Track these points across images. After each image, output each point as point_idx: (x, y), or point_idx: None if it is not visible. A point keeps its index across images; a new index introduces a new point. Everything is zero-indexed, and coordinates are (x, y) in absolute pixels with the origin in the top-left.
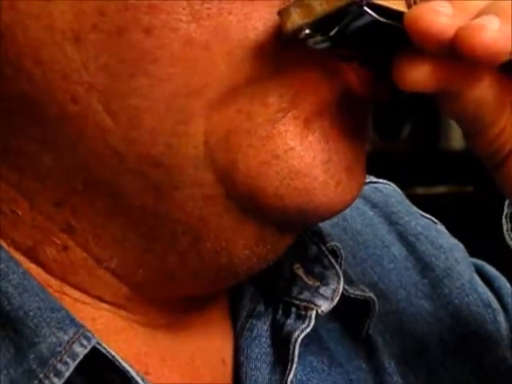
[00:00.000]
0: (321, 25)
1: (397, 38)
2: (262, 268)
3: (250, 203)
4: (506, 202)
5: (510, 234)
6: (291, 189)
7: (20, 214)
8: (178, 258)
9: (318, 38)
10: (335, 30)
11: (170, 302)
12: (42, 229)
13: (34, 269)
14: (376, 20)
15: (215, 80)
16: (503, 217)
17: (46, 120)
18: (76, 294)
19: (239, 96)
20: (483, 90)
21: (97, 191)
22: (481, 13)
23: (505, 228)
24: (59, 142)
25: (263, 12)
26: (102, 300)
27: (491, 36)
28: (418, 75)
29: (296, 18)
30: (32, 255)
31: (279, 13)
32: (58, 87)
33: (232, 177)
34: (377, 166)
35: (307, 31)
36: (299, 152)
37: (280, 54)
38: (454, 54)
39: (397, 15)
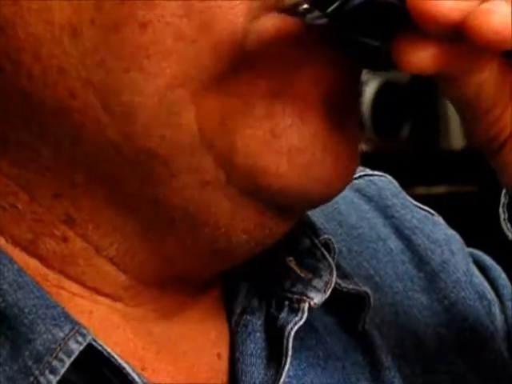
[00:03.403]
0: (320, 0)
1: (398, 17)
2: (260, 252)
3: (250, 185)
4: (503, 192)
5: (507, 224)
6: (291, 166)
7: (20, 207)
8: (176, 242)
9: (316, 13)
10: (334, 6)
11: (167, 292)
12: (41, 221)
13: (32, 264)
14: None
15: (200, 71)
16: (500, 207)
17: (44, 115)
18: (74, 287)
19: (228, 82)
20: (485, 75)
21: (96, 182)
22: None
23: (502, 218)
24: (58, 136)
25: (246, 5)
26: (99, 292)
27: (501, 21)
28: (420, 58)
29: None
30: (31, 249)
31: None
32: (57, 83)
33: (231, 159)
34: (377, 166)
35: (305, 6)
36: (299, 128)
37: (270, 46)
38: (459, 37)
39: None
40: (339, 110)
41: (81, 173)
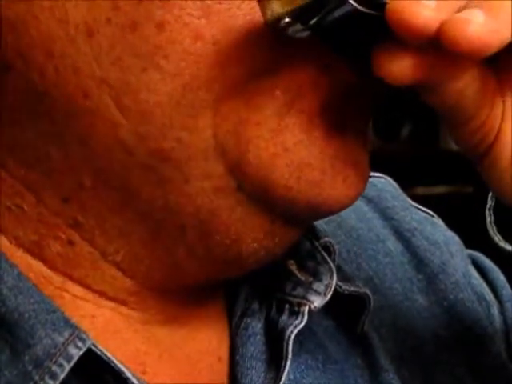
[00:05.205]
0: (301, 13)
1: (378, 28)
2: (268, 262)
3: (260, 195)
4: (489, 195)
5: (492, 227)
6: (301, 181)
7: (26, 208)
8: (186, 250)
9: (298, 26)
10: (315, 18)
11: (171, 296)
12: (47, 223)
13: (35, 265)
14: (357, 9)
15: (222, 73)
16: (486, 209)
17: (55, 115)
18: (77, 290)
19: (247, 89)
20: (465, 83)
21: (105, 186)
22: (465, 6)
23: (488, 220)
24: (68, 137)
25: None
26: (103, 296)
27: (476, 30)
28: (398, 68)
29: (276, 7)
30: (35, 251)
31: (259, 2)
32: (70, 82)
33: (243, 168)
34: (377, 166)
35: (287, 20)
36: (307, 145)
37: (284, 47)
38: (437, 47)
39: (379, 5)
40: (346, 127)
41: (89, 175)
